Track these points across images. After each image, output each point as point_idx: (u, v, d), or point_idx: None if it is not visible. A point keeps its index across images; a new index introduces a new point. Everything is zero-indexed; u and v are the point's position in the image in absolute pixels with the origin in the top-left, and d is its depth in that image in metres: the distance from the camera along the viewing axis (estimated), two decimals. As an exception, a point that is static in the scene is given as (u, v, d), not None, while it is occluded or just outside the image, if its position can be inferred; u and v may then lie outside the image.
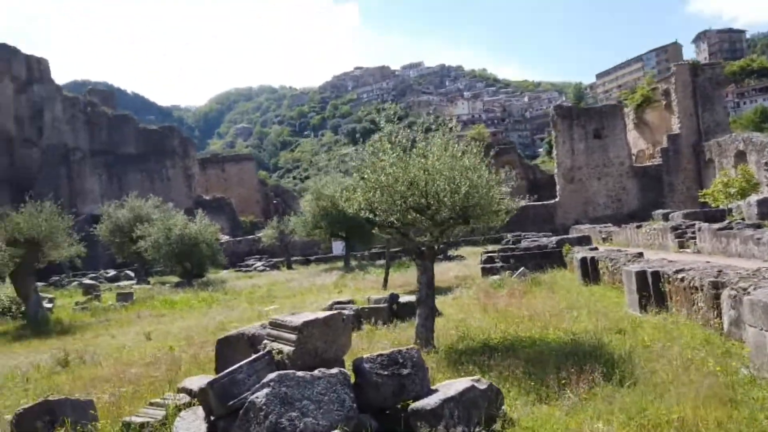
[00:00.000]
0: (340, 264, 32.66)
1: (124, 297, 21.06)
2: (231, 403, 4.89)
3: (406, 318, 11.72)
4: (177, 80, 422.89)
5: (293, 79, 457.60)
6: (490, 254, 19.65)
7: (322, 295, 19.25)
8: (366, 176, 8.75)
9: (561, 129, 42.54)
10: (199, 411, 5.00)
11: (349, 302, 12.97)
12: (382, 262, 30.35)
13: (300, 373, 4.88)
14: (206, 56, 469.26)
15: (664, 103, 43.05)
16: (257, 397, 4.57)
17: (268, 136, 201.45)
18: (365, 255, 35.93)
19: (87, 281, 27.15)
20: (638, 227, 25.02)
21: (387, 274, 19.90)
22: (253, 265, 39.50)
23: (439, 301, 12.74)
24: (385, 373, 5.40)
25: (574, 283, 14.98)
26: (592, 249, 17.89)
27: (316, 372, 5.00)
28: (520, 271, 17.40)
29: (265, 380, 4.77)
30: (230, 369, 5.12)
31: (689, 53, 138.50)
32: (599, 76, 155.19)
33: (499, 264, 18.76)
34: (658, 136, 46.62)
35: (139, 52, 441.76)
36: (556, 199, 43.05)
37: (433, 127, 9.38)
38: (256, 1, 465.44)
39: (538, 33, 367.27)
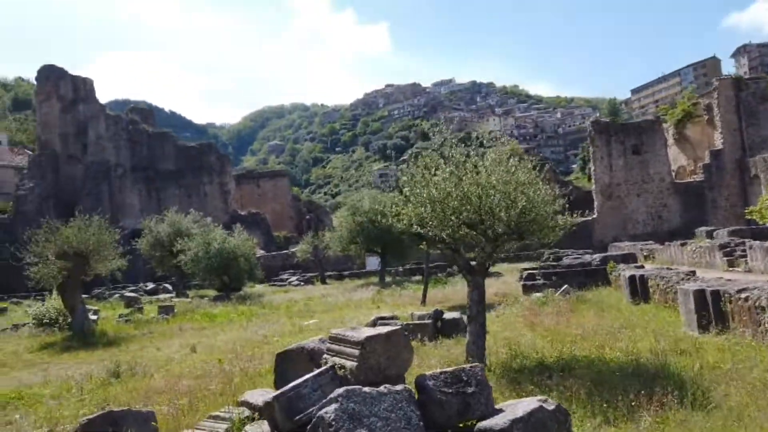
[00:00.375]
0: (374, 279, 32.60)
1: (166, 310, 21.38)
2: (297, 417, 4.84)
3: (450, 335, 11.58)
4: (212, 99, 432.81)
5: (325, 97, 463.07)
6: (530, 271, 19.32)
7: (361, 311, 19.20)
8: (417, 191, 8.69)
9: (599, 144, 41.90)
10: (264, 426, 4.97)
11: (392, 318, 12.87)
12: (418, 277, 30.23)
13: (366, 389, 4.81)
14: (240, 75, 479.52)
15: (706, 118, 42.06)
16: (326, 413, 4.51)
17: (300, 152, 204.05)
18: (399, 270, 35.84)
19: (128, 294, 27.67)
20: (683, 245, 24.32)
21: (426, 289, 19.75)
22: (287, 279, 39.76)
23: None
24: (449, 390, 5.29)
25: (622, 302, 14.59)
26: (638, 267, 17.44)
27: (381, 388, 4.92)
28: (563, 288, 17.05)
29: (332, 395, 4.70)
30: (295, 383, 5.08)
31: (728, 68, 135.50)
32: (635, 91, 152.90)
33: (541, 281, 18.43)
34: (699, 152, 45.51)
35: (175, 72, 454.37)
36: (594, 216, 42.26)
37: (484, 142, 9.29)
38: (288, 22, 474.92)
39: (570, 49, 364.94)
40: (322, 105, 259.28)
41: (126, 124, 54.89)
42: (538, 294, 17.31)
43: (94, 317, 19.94)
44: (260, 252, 45.94)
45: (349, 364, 5.45)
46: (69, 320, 18.83)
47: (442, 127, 9.48)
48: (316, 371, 5.28)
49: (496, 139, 9.16)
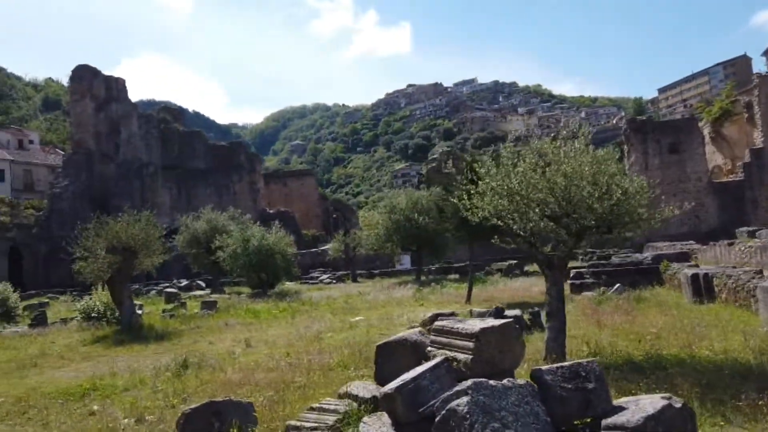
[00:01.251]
0: (407, 278, 32.41)
1: (208, 305, 21.47)
2: (422, 410, 4.71)
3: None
4: (235, 99, 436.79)
5: (346, 97, 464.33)
6: (578, 270, 18.98)
7: (406, 308, 19.05)
8: (495, 184, 8.49)
9: (634, 143, 41.21)
10: (384, 417, 4.84)
11: (451, 314, 12.66)
12: (454, 276, 30.00)
13: (492, 382, 4.66)
14: (263, 76, 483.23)
15: (746, 116, 41.09)
16: (458, 405, 4.36)
17: (321, 152, 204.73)
18: (431, 269, 35.55)
19: (169, 290, 27.88)
20: (730, 245, 23.72)
21: (470, 288, 19.53)
22: (318, 277, 39.80)
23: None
24: (569, 386, 5.10)
25: (683, 301, 14.22)
26: (691, 266, 17.02)
27: (505, 382, 4.76)
28: (616, 287, 16.71)
29: (459, 388, 4.56)
30: (414, 375, 4.94)
31: (759, 66, 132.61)
32: (662, 90, 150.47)
33: (590, 280, 18.10)
34: (737, 151, 44.51)
35: (198, 73, 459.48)
36: (629, 216, 41.52)
37: (565, 133, 9.05)
38: (311, 24, 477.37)
39: (594, 49, 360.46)
40: (343, 105, 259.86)
41: (157, 123, 55.52)
42: (589, 293, 16.99)
43: (138, 312, 20.10)
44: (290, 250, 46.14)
45: (462, 356, 5.30)
46: (116, 314, 19.02)
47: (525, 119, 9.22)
48: (431, 364, 5.13)
49: (580, 127, 8.87)
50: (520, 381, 4.85)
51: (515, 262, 27.32)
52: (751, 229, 32.52)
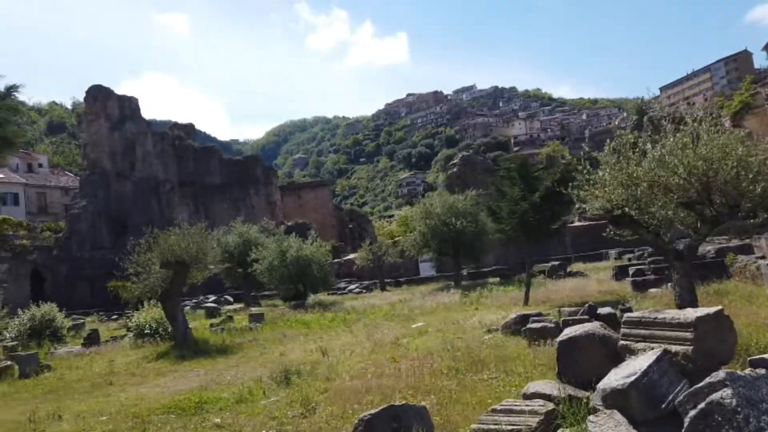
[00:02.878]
0: (435, 284, 31.97)
1: (256, 318, 21.14)
2: (664, 405, 4.37)
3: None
4: (235, 115, 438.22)
5: (346, 109, 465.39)
6: (638, 267, 18.62)
7: (462, 313, 18.63)
8: (615, 173, 8.19)
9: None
10: (617, 415, 4.50)
11: (537, 314, 12.35)
12: (494, 279, 29.48)
13: (741, 373, 4.33)
14: (262, 91, 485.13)
15: (768, 108, 40.95)
16: (723, 398, 4.03)
17: (324, 164, 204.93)
18: (462, 274, 35.06)
19: (208, 305, 27.51)
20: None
21: (528, 289, 19.16)
22: (345, 287, 39.41)
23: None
24: (800, 373, 4.77)
25: (760, 290, 13.84)
26: (758, 257, 16.68)
27: (749, 372, 4.43)
28: (685, 282, 16.32)
29: (711, 380, 4.23)
30: (642, 370, 4.60)
31: (760, 61, 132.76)
32: (663, 89, 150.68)
33: (653, 276, 17.73)
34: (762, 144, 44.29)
35: (197, 90, 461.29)
36: (655, 213, 41.26)
37: (687, 118, 8.76)
38: (307, 38, 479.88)
39: (590, 51, 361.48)
40: (343, 117, 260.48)
41: (171, 140, 55.38)
42: (655, 290, 16.61)
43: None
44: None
45: (678, 348, 4.96)
46: (169, 330, 18.68)
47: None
48: (652, 357, 4.79)
49: (710, 108, 8.59)
50: (761, 371, 4.52)
51: (558, 263, 26.93)
52: (785, 221, 32.13)
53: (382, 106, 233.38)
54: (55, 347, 18.85)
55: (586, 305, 11.93)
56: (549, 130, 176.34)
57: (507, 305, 19.11)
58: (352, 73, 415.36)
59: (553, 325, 11.21)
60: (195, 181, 54.52)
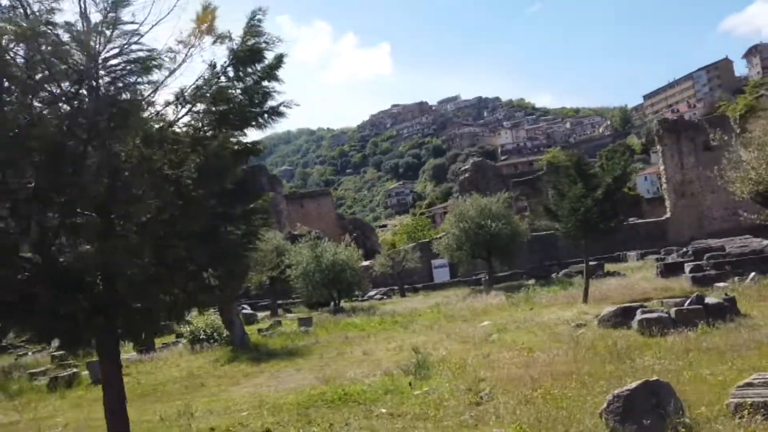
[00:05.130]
0: (457, 289, 31.80)
1: (306, 322, 20.85)
2: None
3: (718, 320, 10.99)
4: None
5: (330, 120, 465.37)
6: (696, 263, 18.74)
7: (521, 313, 18.49)
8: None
9: (668, 143, 41.60)
10: None
11: (640, 306, 12.32)
12: (530, 281, 29.32)
13: None
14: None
15: (775, 110, 41.83)
16: None
17: (311, 176, 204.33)
18: (485, 279, 34.95)
19: (246, 311, 27.00)
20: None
21: (587, 286, 19.15)
22: (364, 294, 39.12)
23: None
24: None
25: None
26: (820, 249, 16.93)
27: None
28: (752, 276, 16.50)
29: None
30: None
31: (740, 69, 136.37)
32: (647, 97, 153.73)
33: (714, 272, 17.85)
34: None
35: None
36: (667, 216, 41.81)
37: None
38: (290, 51, 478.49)
39: (571, 61, 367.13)
40: (328, 129, 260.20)
41: (175, 149, 54.77)
42: (721, 284, 16.68)
43: (242, 333, 19.35)
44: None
45: None
46: (224, 335, 18.32)
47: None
48: None
49: None
50: None
51: (595, 263, 27.07)
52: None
53: (367, 117, 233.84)
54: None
55: (695, 295, 11.91)
56: (535, 138, 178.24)
57: (564, 304, 19.08)
58: (336, 84, 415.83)
59: (666, 315, 11.19)
60: (200, 191, 53.84)
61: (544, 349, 10.27)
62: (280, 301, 32.40)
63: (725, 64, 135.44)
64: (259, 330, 20.79)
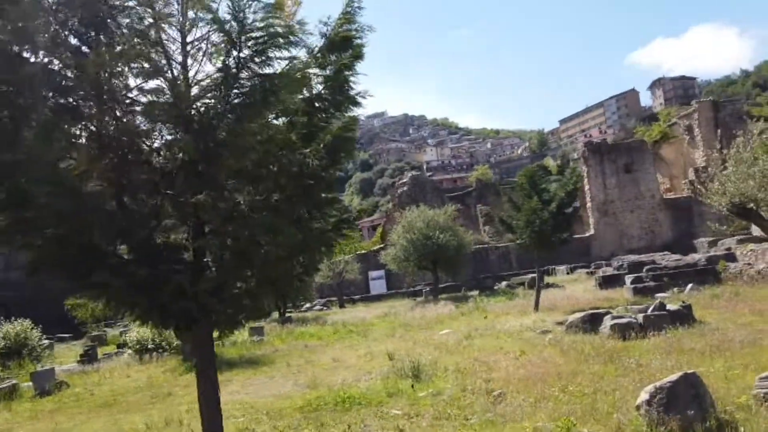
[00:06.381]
0: (396, 300, 32.04)
1: (257, 331, 20.29)
2: None
3: (681, 325, 11.77)
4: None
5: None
6: (637, 275, 19.95)
7: (478, 321, 18.88)
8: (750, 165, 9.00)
9: (592, 164, 44.17)
10: None
11: (607, 313, 12.95)
12: (473, 293, 29.85)
13: None
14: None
15: (687, 138, 45.47)
16: None
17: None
18: (426, 290, 35.34)
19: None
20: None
21: (538, 296, 19.89)
22: (303, 304, 38.50)
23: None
24: None
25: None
26: (746, 264, 18.52)
27: None
28: (689, 287, 17.78)
29: None
30: None
31: (645, 99, 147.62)
32: (562, 121, 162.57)
33: (653, 283, 19.07)
34: (674, 171, 49.00)
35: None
36: (591, 233, 44.24)
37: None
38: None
39: (494, 85, 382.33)
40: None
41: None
42: (662, 294, 17.84)
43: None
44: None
45: None
46: (176, 344, 17.44)
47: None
48: None
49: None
50: None
51: (534, 276, 28.16)
52: (711, 239, 35.53)
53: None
54: (41, 366, 16.84)
55: (657, 302, 12.68)
56: (459, 156, 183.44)
57: (518, 313, 19.66)
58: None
59: (635, 320, 11.84)
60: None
61: (534, 352, 10.55)
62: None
63: (632, 95, 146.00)
64: (208, 339, 19.91)
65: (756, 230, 33.42)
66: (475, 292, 27.99)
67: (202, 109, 3.77)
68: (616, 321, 11.72)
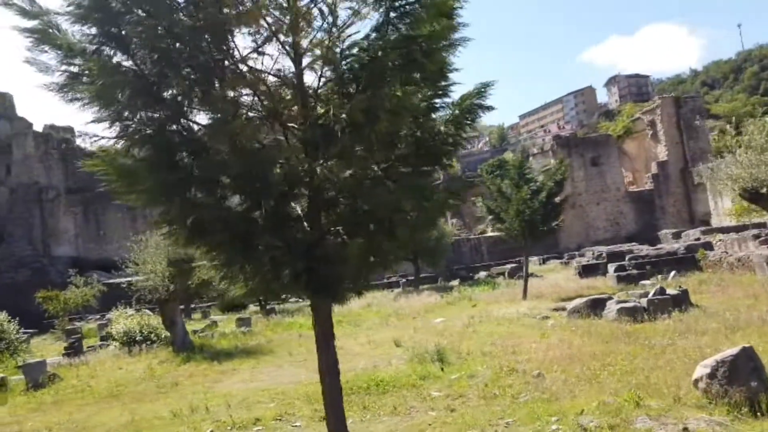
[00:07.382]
0: (370, 293, 31.93)
1: (245, 323, 19.96)
2: None
3: (683, 309, 12.14)
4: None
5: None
6: (620, 264, 20.52)
7: (469, 310, 19.02)
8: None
9: (561, 157, 45.09)
10: None
11: (609, 298, 13.24)
12: (453, 283, 30.01)
13: None
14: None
15: (650, 133, 46.95)
16: None
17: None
18: (404, 281, 35.16)
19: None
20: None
21: (526, 284, 20.22)
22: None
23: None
24: None
25: (756, 279, 15.91)
26: (724, 252, 19.29)
27: None
28: (672, 275, 18.40)
29: None
30: None
31: (601, 96, 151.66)
32: (522, 117, 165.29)
33: (636, 272, 19.63)
34: (636, 165, 50.57)
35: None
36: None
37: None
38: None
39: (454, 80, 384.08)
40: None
41: (57, 143, 49.75)
42: (646, 282, 18.37)
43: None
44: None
45: None
46: (165, 336, 16.99)
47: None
48: None
49: None
50: None
51: (515, 265, 28.58)
52: (675, 231, 36.82)
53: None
54: (23, 359, 16.08)
55: (658, 287, 13.06)
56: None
57: (507, 301, 19.89)
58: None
59: (639, 305, 12.16)
60: (86, 188, 49.23)
61: (552, 335, 10.71)
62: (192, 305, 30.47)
63: (590, 91, 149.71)
64: (194, 331, 19.46)
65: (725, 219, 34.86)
66: (455, 282, 28.21)
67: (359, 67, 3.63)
68: (622, 305, 12.02)
